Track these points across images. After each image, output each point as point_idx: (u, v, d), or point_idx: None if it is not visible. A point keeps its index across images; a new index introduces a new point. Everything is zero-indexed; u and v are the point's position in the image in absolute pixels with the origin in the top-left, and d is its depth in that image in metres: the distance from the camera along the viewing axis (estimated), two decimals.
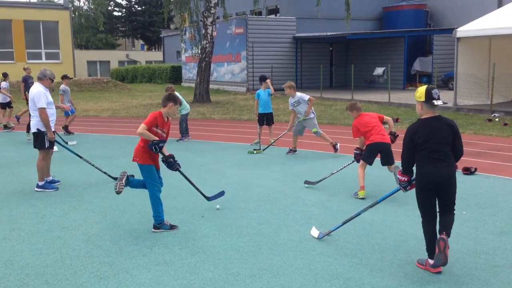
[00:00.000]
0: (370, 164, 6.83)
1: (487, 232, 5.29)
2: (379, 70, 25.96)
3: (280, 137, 10.40)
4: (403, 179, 4.44)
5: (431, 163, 4.18)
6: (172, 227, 5.46)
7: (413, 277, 4.21)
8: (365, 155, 6.82)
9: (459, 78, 16.26)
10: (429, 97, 4.18)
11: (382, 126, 6.87)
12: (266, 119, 10.89)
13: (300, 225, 5.58)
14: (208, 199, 6.36)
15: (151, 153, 5.32)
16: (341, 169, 7.42)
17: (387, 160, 6.86)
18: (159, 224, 5.41)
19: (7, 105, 14.29)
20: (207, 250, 4.84)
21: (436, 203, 4.30)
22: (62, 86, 12.86)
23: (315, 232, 5.24)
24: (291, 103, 9.68)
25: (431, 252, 4.29)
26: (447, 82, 23.00)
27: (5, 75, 14.52)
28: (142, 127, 5.21)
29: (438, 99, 4.22)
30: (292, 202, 6.48)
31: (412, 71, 25.98)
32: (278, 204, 6.40)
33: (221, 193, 6.53)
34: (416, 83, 25.72)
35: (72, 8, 32.36)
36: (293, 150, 9.84)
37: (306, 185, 7.32)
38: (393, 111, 16.46)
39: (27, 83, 14.40)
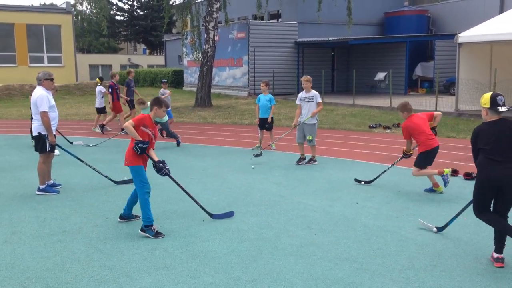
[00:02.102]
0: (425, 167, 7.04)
1: (488, 237, 5.27)
2: (380, 75, 25.99)
3: (283, 136, 10.52)
4: None
5: (492, 165, 4.29)
6: (157, 234, 5.32)
7: (414, 282, 4.21)
8: (423, 161, 6.98)
9: (460, 83, 16.27)
10: (493, 103, 4.35)
11: (430, 130, 7.02)
12: (264, 124, 10.84)
13: (301, 229, 5.57)
14: (212, 216, 5.98)
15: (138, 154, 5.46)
16: (391, 166, 7.78)
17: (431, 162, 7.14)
18: (147, 226, 5.34)
19: (103, 110, 14.29)
20: (207, 254, 4.84)
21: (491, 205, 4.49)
22: (162, 90, 13.43)
23: (427, 225, 5.44)
24: (301, 98, 9.10)
25: (499, 244, 4.46)
26: (449, 87, 23.01)
27: (101, 79, 14.53)
28: (129, 122, 5.38)
29: (503, 105, 4.36)
30: (293, 207, 6.48)
31: (414, 76, 26.00)
32: (279, 209, 6.39)
33: (230, 214, 6.09)
34: (417, 88, 25.75)
35: (75, 12, 32.50)
36: (302, 158, 9.36)
37: (362, 183, 7.64)
38: (395, 116, 16.46)
39: (129, 87, 14.33)
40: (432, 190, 7.18)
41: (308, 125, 9.12)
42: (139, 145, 5.36)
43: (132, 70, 15.32)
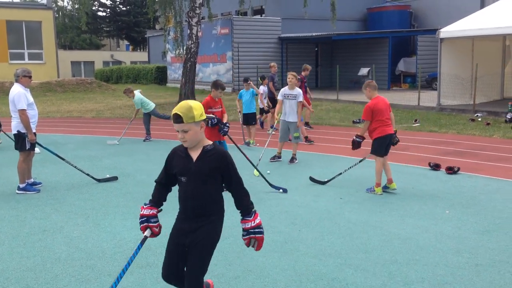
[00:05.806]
0: (382, 156, 6.86)
1: (470, 231, 5.33)
2: (364, 71, 26.11)
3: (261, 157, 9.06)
4: None
5: None
6: None
7: (396, 276, 4.22)
8: (378, 148, 6.83)
9: (442, 78, 16.43)
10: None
11: (390, 118, 6.92)
12: (248, 119, 11.11)
13: (285, 225, 5.56)
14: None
15: (212, 131, 7.07)
16: (349, 168, 7.38)
17: (387, 151, 6.99)
18: None
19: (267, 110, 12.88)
20: None
21: None
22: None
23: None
24: (284, 94, 8.88)
25: None
26: (431, 82, 23.23)
27: (263, 78, 13.14)
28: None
29: None
30: (277, 203, 6.46)
31: (397, 72, 26.20)
32: (263, 205, 6.37)
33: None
34: (400, 84, 25.94)
35: (56, 8, 32.09)
36: (277, 157, 9.27)
37: (313, 182, 7.41)
38: None
39: (274, 82, 13.18)
40: (386, 187, 6.92)
41: (293, 123, 8.93)
42: (210, 119, 7.08)
43: (275, 64, 13.94)
